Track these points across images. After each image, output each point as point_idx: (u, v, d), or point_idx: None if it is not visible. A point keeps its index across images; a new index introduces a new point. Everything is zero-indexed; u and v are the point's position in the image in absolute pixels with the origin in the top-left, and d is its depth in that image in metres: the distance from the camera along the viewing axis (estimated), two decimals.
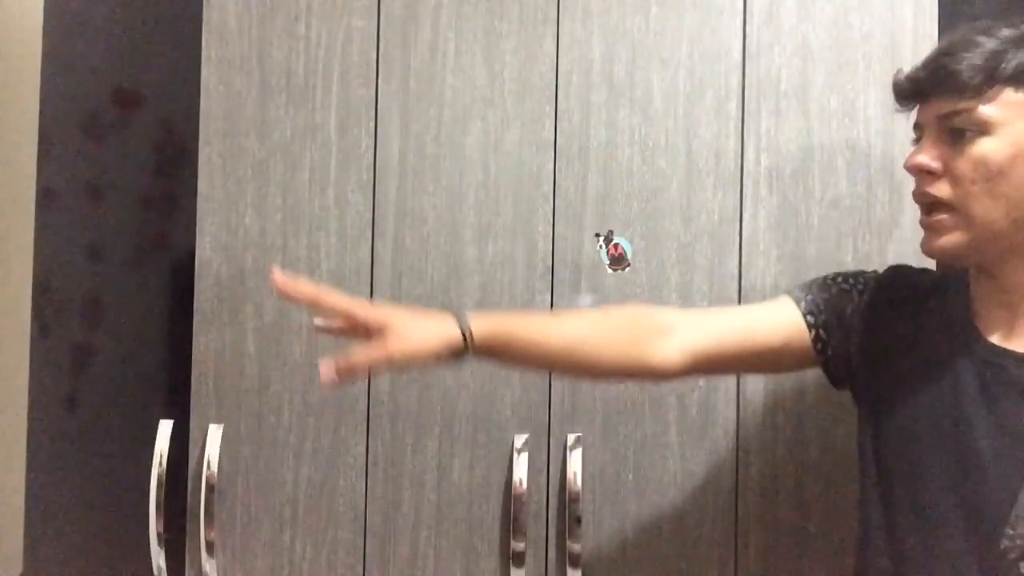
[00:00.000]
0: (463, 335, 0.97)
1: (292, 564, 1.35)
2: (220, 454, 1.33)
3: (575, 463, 1.30)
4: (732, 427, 1.33)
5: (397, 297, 1.36)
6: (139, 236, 1.68)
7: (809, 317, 1.08)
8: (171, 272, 1.67)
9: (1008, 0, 1.63)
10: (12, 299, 1.67)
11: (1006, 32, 0.92)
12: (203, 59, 1.38)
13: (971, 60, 0.91)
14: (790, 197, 1.34)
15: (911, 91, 0.98)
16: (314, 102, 1.37)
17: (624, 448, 1.34)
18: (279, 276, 0.93)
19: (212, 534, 1.33)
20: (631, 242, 1.34)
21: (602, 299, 1.34)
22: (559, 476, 1.33)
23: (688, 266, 1.34)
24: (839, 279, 1.10)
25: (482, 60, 1.36)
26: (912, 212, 1.28)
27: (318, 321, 0.97)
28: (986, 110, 0.91)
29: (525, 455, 1.31)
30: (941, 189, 0.94)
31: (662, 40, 1.35)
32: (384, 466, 1.35)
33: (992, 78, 0.90)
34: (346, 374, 0.90)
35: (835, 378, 1.10)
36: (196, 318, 1.36)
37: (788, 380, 1.32)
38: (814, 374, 1.26)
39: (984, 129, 0.91)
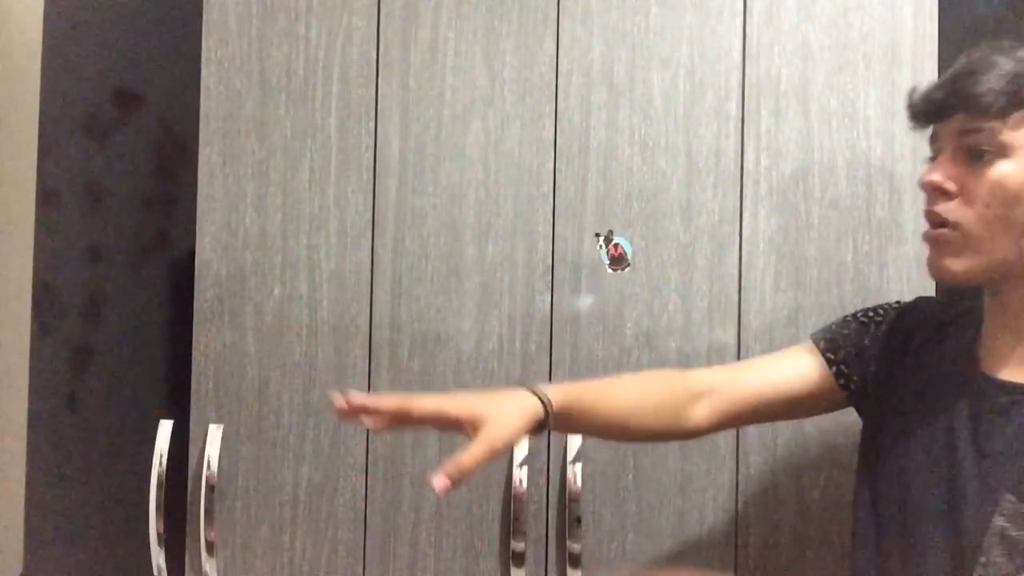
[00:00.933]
0: (544, 409, 0.96)
1: (292, 564, 1.35)
2: (220, 454, 1.34)
3: (576, 463, 1.30)
4: (732, 429, 1.29)
5: (397, 297, 1.36)
6: (139, 236, 1.68)
7: (829, 354, 1.09)
8: (171, 272, 1.67)
9: (1010, 0, 1.63)
10: (12, 299, 1.67)
11: None
12: (203, 59, 1.38)
13: (992, 83, 0.89)
14: (790, 197, 1.34)
15: (927, 111, 0.97)
16: (314, 102, 1.37)
17: (624, 448, 1.33)
18: (341, 400, 0.88)
19: (212, 534, 1.33)
20: (631, 242, 1.34)
21: (602, 300, 1.34)
22: (559, 476, 1.33)
23: (688, 266, 1.34)
24: (859, 314, 1.11)
25: (482, 60, 1.36)
26: (912, 212, 1.31)
27: (370, 422, 0.91)
28: (1008, 133, 0.89)
29: (525, 454, 1.31)
30: (953, 210, 0.93)
31: (662, 40, 1.36)
32: (384, 466, 1.35)
33: (1014, 102, 0.89)
34: (458, 479, 0.85)
35: (862, 411, 1.10)
36: (196, 318, 1.36)
37: None
38: None
39: (1004, 152, 0.90)
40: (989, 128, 0.90)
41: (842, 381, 1.08)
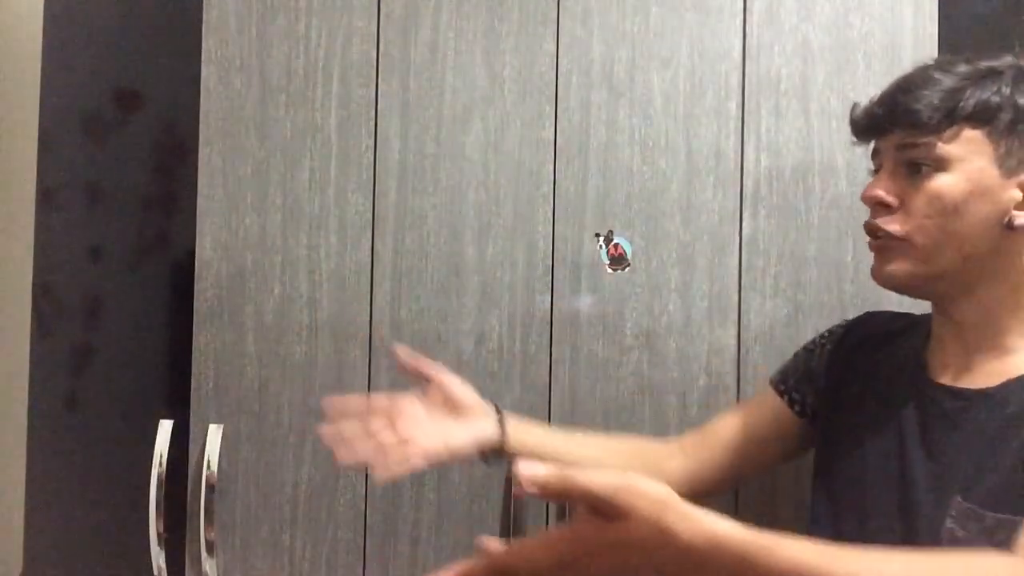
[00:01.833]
0: (501, 433, 1.09)
1: (292, 564, 1.35)
2: (220, 454, 1.34)
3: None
4: None
5: (397, 297, 1.36)
6: (139, 236, 1.68)
7: (780, 386, 1.15)
8: (171, 272, 1.67)
9: (1007, 0, 1.63)
10: (12, 299, 1.67)
11: (964, 69, 0.93)
12: (203, 59, 1.38)
13: (930, 98, 0.92)
14: (790, 197, 1.34)
15: (868, 126, 0.99)
16: (314, 102, 1.37)
17: None
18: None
19: (212, 534, 1.33)
20: (631, 242, 1.35)
21: (602, 299, 1.35)
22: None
23: (688, 266, 1.34)
24: (808, 343, 1.16)
25: (482, 60, 1.36)
26: None
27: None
28: (944, 147, 0.91)
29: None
30: (894, 223, 0.95)
31: (662, 40, 1.36)
32: None
33: (950, 116, 0.91)
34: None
35: (817, 428, 1.12)
36: (196, 318, 1.37)
37: None
38: None
39: (941, 165, 0.92)
40: (926, 143, 0.92)
41: (797, 408, 1.13)
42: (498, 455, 1.11)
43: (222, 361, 1.37)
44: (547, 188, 1.36)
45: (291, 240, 1.37)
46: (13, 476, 1.66)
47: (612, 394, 1.34)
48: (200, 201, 1.37)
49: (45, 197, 1.67)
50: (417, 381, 1.10)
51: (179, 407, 1.39)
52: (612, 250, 1.35)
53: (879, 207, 0.96)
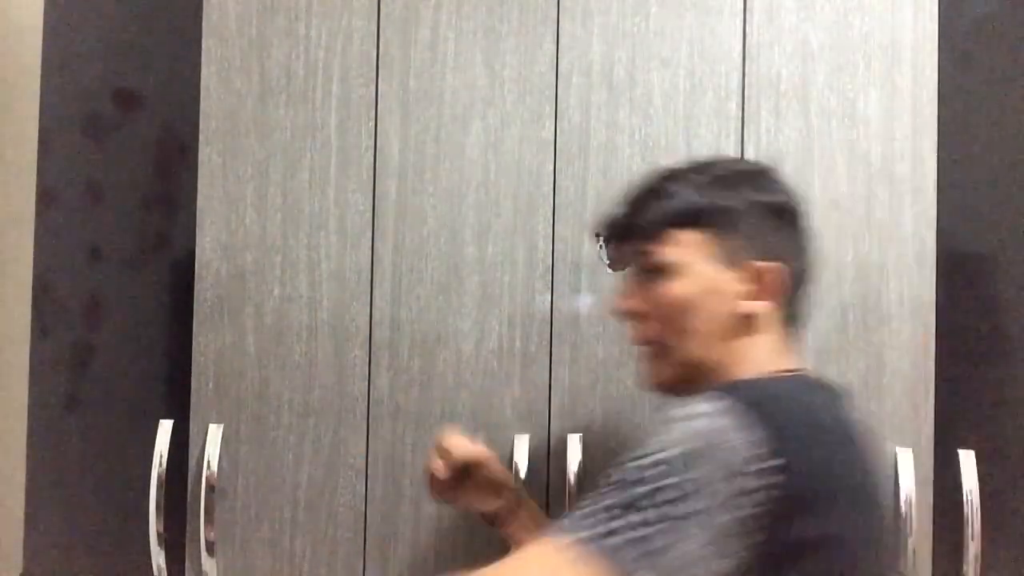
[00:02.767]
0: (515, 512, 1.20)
1: (292, 564, 1.35)
2: (220, 454, 1.34)
3: (574, 463, 1.30)
4: None
5: (397, 297, 1.36)
6: (139, 236, 1.69)
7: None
8: (171, 272, 1.67)
9: (1007, 1, 1.63)
10: (12, 299, 1.67)
11: (677, 174, 1.00)
12: (203, 59, 1.38)
13: (646, 208, 0.99)
14: None
15: (608, 236, 1.08)
16: (314, 102, 1.37)
17: (624, 448, 1.27)
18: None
19: (212, 534, 1.33)
20: None
21: (602, 300, 1.34)
22: (559, 474, 1.33)
23: None
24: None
25: (482, 60, 1.37)
26: (911, 212, 1.32)
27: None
28: (666, 252, 0.98)
29: (525, 455, 1.31)
30: (646, 330, 1.01)
31: (662, 40, 1.36)
32: (384, 466, 1.36)
33: (665, 223, 0.97)
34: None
35: None
36: (196, 318, 1.37)
37: None
38: (816, 372, 1.26)
39: (668, 270, 0.98)
40: (649, 250, 0.99)
41: None
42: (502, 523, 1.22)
43: (222, 361, 1.37)
44: (547, 188, 1.36)
45: (291, 240, 1.37)
46: (13, 476, 1.66)
47: (612, 394, 1.34)
48: (200, 201, 1.37)
49: (45, 197, 1.67)
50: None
51: (179, 407, 1.39)
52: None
53: (631, 318, 1.02)
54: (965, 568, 1.26)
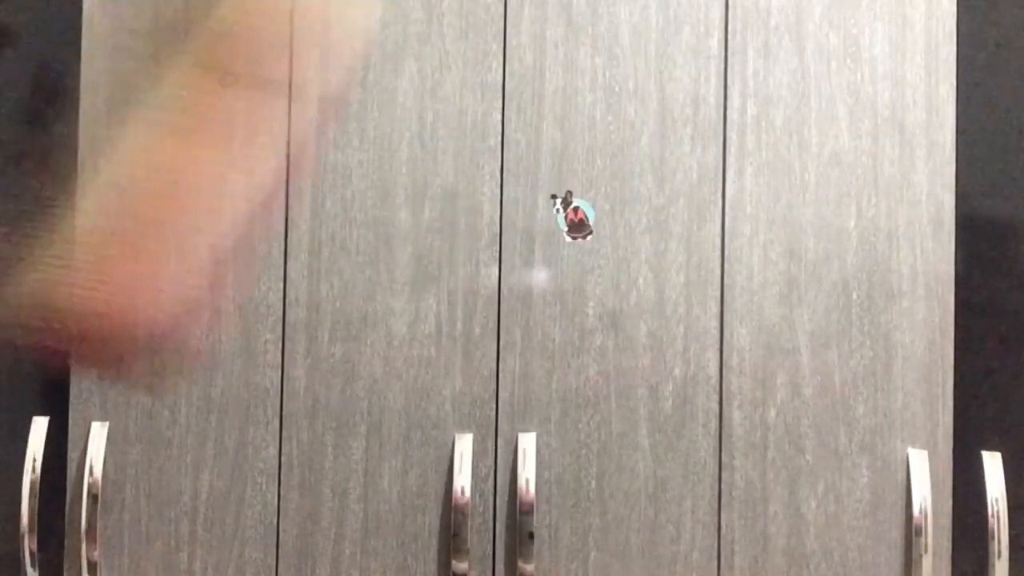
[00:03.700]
0: None
1: None
2: (105, 457, 1.31)
3: (527, 468, 1.28)
4: (714, 424, 1.31)
5: (316, 271, 1.33)
6: (5, 198, 1.63)
7: None
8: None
9: None
10: None
11: None
12: None
13: None
14: (782, 151, 1.32)
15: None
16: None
17: (586, 449, 1.31)
18: None
19: (95, 553, 1.30)
20: (594, 205, 1.32)
21: (559, 273, 1.32)
22: (508, 483, 1.31)
23: (662, 233, 1.32)
24: None
25: None
26: (926, 169, 1.30)
27: None
28: None
29: (468, 458, 1.29)
30: None
31: None
32: (300, 472, 1.32)
33: None
34: None
35: None
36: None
37: (780, 367, 1.30)
38: (814, 360, 1.29)
39: None
40: None
41: None
42: None
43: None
44: (494, 141, 1.33)
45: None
46: None
47: (571, 385, 1.32)
48: (81, 155, 1.34)
49: None
50: None
51: (56, 401, 1.36)
52: (571, 215, 1.32)
53: None
54: None
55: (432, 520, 1.31)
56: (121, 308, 1.15)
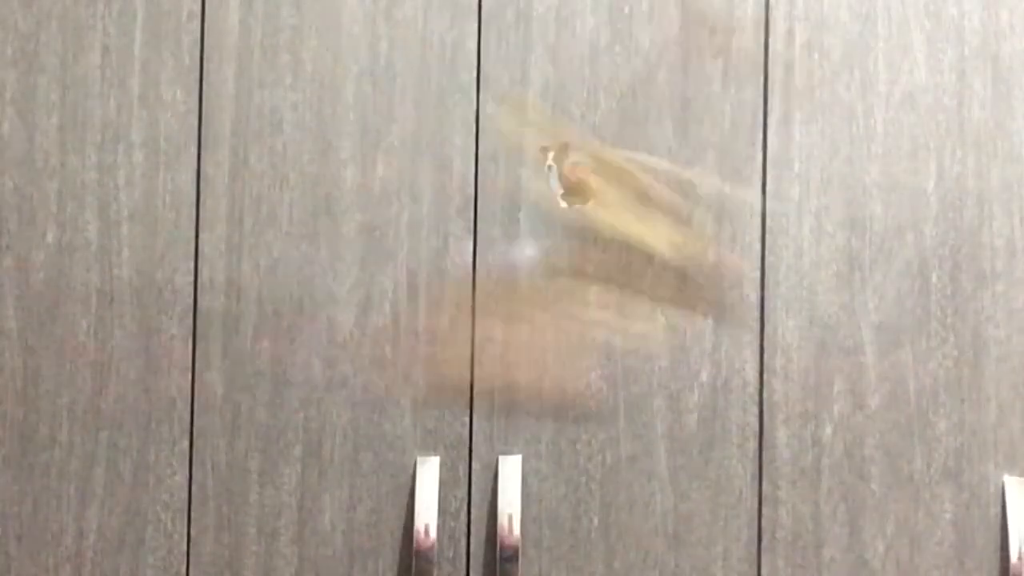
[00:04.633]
0: None
1: None
2: None
3: (510, 501, 1.22)
4: (752, 444, 1.26)
5: (237, 242, 1.27)
6: None
7: None
8: None
9: None
10: None
11: None
12: None
13: None
14: (840, 91, 1.26)
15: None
16: None
17: (586, 477, 1.26)
18: None
19: None
20: None
21: (552, 248, 1.26)
22: (486, 521, 1.26)
23: (685, 197, 1.27)
24: None
25: None
26: None
27: None
28: None
29: (434, 488, 1.23)
30: None
31: None
32: (217, 505, 1.27)
33: None
34: None
35: None
36: None
37: (838, 370, 1.26)
38: (882, 362, 1.25)
39: None
40: None
41: None
42: None
43: None
44: (467, 77, 1.27)
45: (73, 157, 1.27)
46: None
47: (568, 394, 1.27)
48: None
49: None
50: None
51: None
52: (568, 173, 1.27)
53: None
54: None
55: (387, 567, 1.26)
56: None
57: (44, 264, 1.27)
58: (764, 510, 1.25)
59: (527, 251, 1.26)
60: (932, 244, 1.25)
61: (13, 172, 1.27)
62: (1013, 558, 1.20)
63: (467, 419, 1.26)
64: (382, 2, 1.27)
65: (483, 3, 1.27)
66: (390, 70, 1.27)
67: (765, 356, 1.25)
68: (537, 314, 1.26)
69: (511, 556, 1.21)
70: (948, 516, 1.23)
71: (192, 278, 1.27)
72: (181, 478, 1.26)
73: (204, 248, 1.26)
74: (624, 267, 1.25)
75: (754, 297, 1.25)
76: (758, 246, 1.25)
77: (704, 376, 1.25)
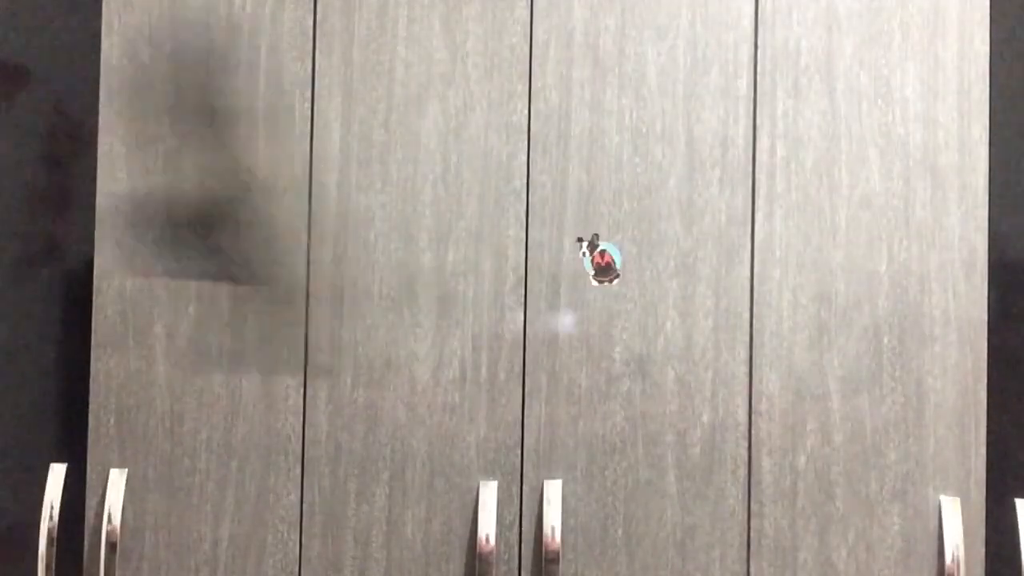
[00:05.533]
0: None
1: None
2: (124, 505, 1.37)
3: (553, 516, 1.34)
4: (743, 471, 1.37)
5: (339, 314, 1.39)
6: (25, 241, 1.67)
7: None
8: (64, 284, 1.67)
9: None
10: None
11: None
12: (103, 26, 1.41)
13: None
14: (812, 194, 1.38)
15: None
16: (238, 79, 1.40)
17: (612, 497, 1.37)
18: None
19: None
20: (621, 248, 1.39)
21: (585, 317, 1.38)
22: (534, 531, 1.37)
23: (690, 277, 1.38)
24: None
25: (441, 29, 1.40)
26: (959, 212, 1.36)
27: None
28: None
29: (493, 506, 1.35)
30: None
31: (658, 5, 1.39)
32: (322, 519, 1.39)
33: None
34: None
35: None
36: (95, 340, 1.39)
37: (810, 413, 1.36)
38: (845, 406, 1.32)
39: None
40: None
41: None
42: None
43: (126, 392, 1.40)
44: (519, 183, 1.39)
45: None
46: None
47: (598, 432, 1.38)
48: (100, 199, 1.40)
49: None
50: None
51: (75, 448, 1.45)
52: (598, 258, 1.39)
53: None
54: None
55: (456, 568, 1.37)
56: None
57: (187, 331, 1.39)
58: (752, 523, 1.35)
59: (567, 320, 1.38)
60: (884, 314, 1.35)
61: (164, 258, 1.39)
62: (948, 560, 1.30)
63: (519, 452, 1.37)
64: (452, 123, 1.39)
65: (531, 126, 1.39)
66: (458, 177, 1.39)
67: (753, 401, 1.36)
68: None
69: (554, 559, 1.32)
70: (896, 528, 1.33)
71: (303, 340, 1.39)
72: (294, 497, 1.38)
73: (312, 316, 1.39)
74: None
75: (744, 355, 1.36)
76: (747, 315, 1.37)
77: (705, 417, 1.36)
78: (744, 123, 1.39)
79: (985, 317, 1.36)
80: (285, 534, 1.39)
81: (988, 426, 1.38)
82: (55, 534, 1.37)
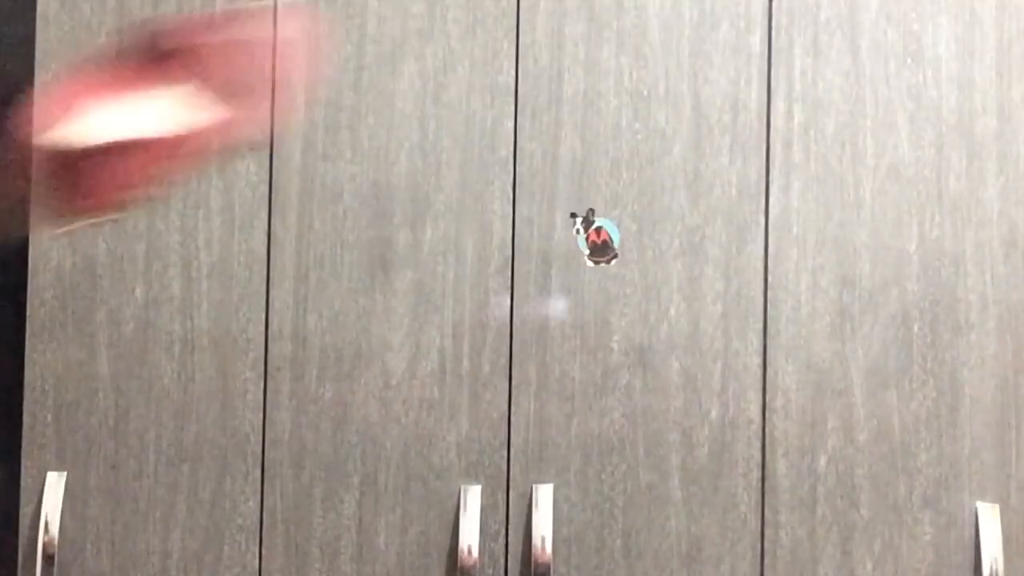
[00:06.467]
0: None
1: None
2: (62, 512, 1.34)
3: (543, 524, 1.31)
4: (756, 474, 1.34)
5: (303, 296, 1.36)
6: None
7: None
8: None
9: None
10: None
11: None
12: None
13: None
14: (833, 164, 1.35)
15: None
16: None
17: (610, 503, 1.34)
18: None
19: None
20: (619, 225, 1.36)
21: (579, 303, 1.35)
22: (522, 541, 1.34)
23: (696, 257, 1.35)
24: None
25: None
26: (997, 184, 1.33)
27: None
28: None
29: (476, 513, 1.32)
30: None
31: None
32: (284, 528, 1.36)
33: None
34: None
35: None
36: (29, 329, 1.37)
37: (831, 409, 1.33)
38: (870, 401, 1.31)
39: None
40: None
41: None
42: None
43: (65, 387, 1.37)
44: (505, 152, 1.36)
45: (159, 223, 1.37)
46: None
47: (593, 431, 1.35)
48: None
49: None
50: None
51: (7, 449, 1.39)
52: (593, 236, 1.36)
53: None
54: None
55: None
56: None
57: (133, 316, 1.36)
58: (766, 533, 1.33)
59: (558, 305, 1.35)
60: (914, 299, 1.33)
61: (106, 236, 1.36)
62: (986, 574, 1.28)
63: (505, 453, 1.34)
64: (430, 85, 1.36)
65: (519, 88, 1.36)
66: (437, 145, 1.36)
67: (767, 397, 1.33)
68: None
69: (544, 572, 1.29)
70: (928, 538, 1.31)
71: (263, 328, 1.36)
72: (253, 504, 1.35)
73: (274, 302, 1.36)
74: None
75: (757, 344, 1.34)
76: (761, 300, 1.34)
77: (713, 414, 1.33)
78: (757, 85, 1.36)
79: None
80: (243, 545, 1.36)
81: None
82: None
